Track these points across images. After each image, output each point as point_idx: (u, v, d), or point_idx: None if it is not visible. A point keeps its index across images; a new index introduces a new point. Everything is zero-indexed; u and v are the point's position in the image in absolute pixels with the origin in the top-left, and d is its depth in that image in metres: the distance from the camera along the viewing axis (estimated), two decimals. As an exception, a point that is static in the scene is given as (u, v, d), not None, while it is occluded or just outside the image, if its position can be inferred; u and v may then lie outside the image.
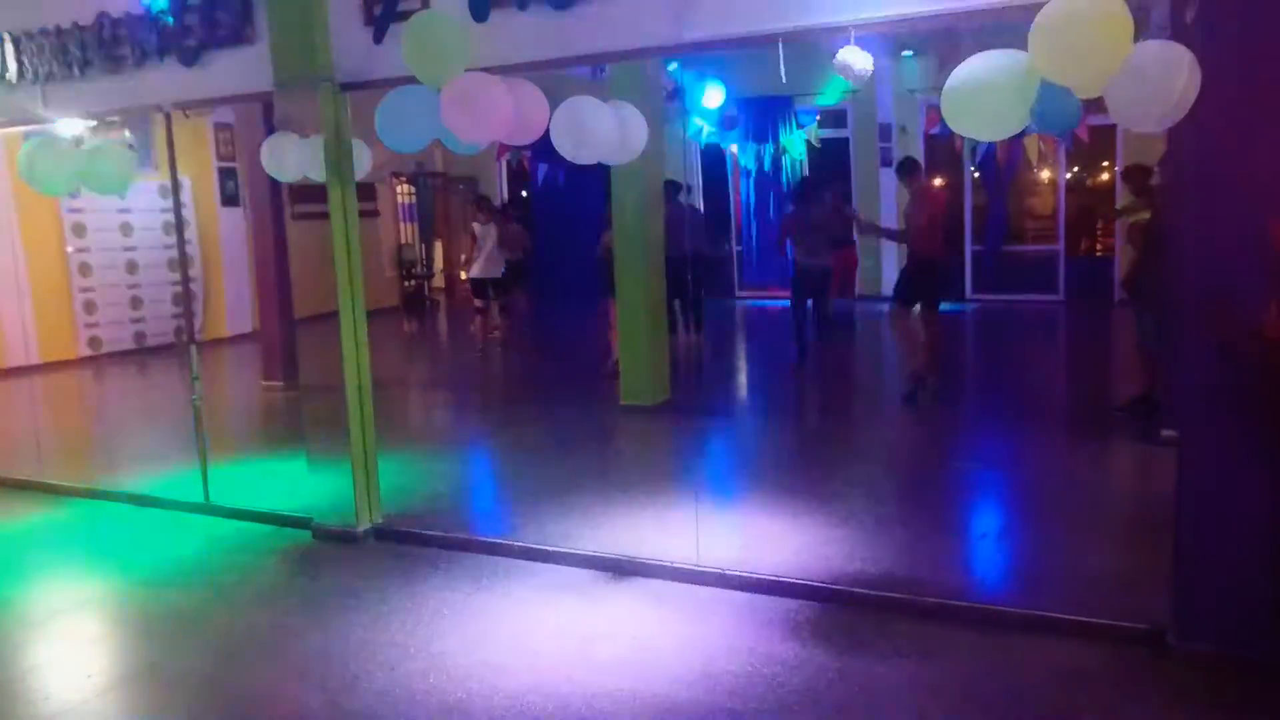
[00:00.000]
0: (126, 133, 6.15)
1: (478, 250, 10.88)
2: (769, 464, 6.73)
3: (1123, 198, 8.13)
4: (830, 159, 13.92)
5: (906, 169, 7.99)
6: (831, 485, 5.81)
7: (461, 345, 12.69)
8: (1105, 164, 13.37)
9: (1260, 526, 3.40)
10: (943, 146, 13.15)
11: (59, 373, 10.87)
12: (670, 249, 8.24)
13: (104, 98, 5.64)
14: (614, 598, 4.32)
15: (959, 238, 13.06)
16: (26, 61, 5.79)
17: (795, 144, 13.83)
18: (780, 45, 3.98)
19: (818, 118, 13.89)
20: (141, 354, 11.99)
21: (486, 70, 4.34)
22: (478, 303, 11.02)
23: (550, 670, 3.69)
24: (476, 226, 11.06)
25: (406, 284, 15.80)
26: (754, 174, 14.40)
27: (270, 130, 5.14)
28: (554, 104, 4.57)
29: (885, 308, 8.71)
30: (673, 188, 9.30)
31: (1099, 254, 13.69)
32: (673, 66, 10.13)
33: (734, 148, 14.36)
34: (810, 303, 9.54)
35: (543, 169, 14.12)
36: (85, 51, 5.57)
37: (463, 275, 11.02)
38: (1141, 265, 6.71)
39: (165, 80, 5.40)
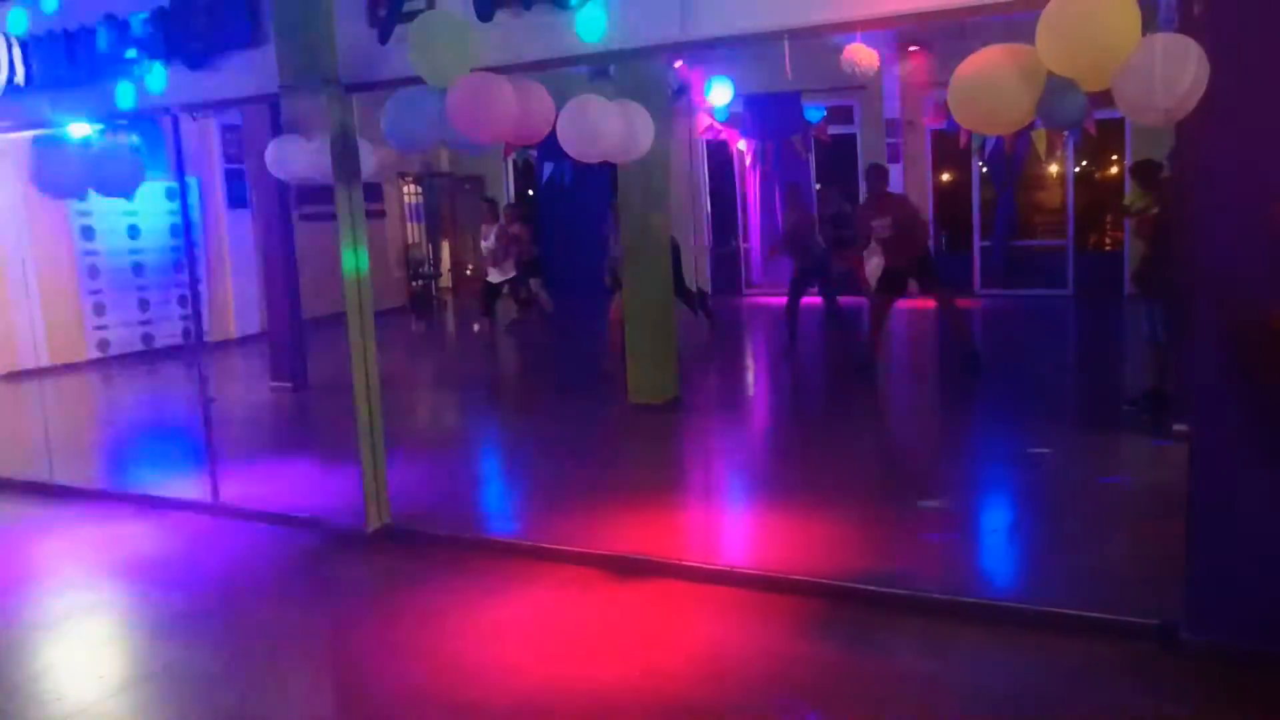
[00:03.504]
0: (134, 136, 6.17)
1: (488, 253, 11.25)
2: (776, 461, 6.73)
3: (1131, 192, 8.09)
4: (838, 155, 13.90)
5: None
6: (839, 481, 5.80)
7: (469, 344, 12.72)
8: (1114, 158, 13.31)
9: (1273, 520, 3.38)
10: (949, 140, 13.11)
11: (68, 375, 10.91)
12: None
13: (112, 101, 5.65)
14: (624, 596, 4.32)
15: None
16: (35, 65, 5.80)
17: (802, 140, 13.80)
18: (786, 42, 3.98)
19: (825, 114, 13.85)
20: (150, 355, 12.02)
21: (492, 70, 4.34)
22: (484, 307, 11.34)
23: (561, 669, 3.69)
24: (485, 229, 11.38)
25: (414, 284, 15.85)
26: (761, 170, 14.37)
27: (277, 132, 5.15)
28: (559, 103, 4.57)
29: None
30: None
31: (1108, 248, 13.63)
32: (678, 64, 10.13)
33: (741, 144, 14.34)
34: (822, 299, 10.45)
35: (548, 168, 14.14)
36: (93, 55, 5.58)
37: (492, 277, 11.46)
38: (1151, 259, 6.67)
39: (172, 83, 5.41)
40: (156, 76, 5.36)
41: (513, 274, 11.32)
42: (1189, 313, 3.59)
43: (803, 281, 10.36)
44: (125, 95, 5.46)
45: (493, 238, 11.12)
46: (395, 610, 4.31)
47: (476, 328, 11.33)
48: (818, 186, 13.95)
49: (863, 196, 9.69)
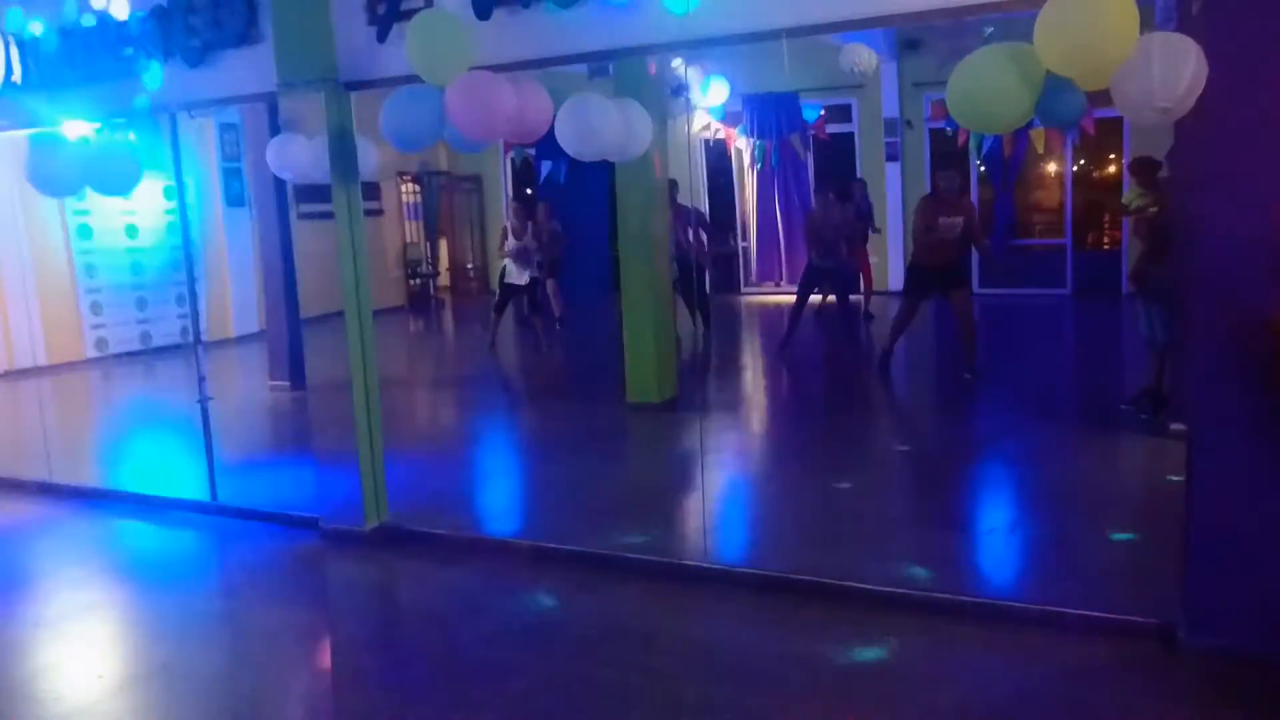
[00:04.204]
0: (131, 134, 6.16)
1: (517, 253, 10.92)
2: (774, 460, 6.74)
3: (1130, 191, 8.09)
4: (836, 154, 13.92)
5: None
6: (836, 479, 5.80)
7: (467, 343, 12.71)
8: (1112, 157, 13.33)
9: (1272, 520, 3.38)
10: (948, 140, 13.12)
11: (66, 374, 10.90)
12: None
13: (109, 99, 5.64)
14: (622, 595, 4.32)
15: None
16: (32, 64, 5.79)
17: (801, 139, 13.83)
18: (784, 41, 3.98)
19: (822, 112, 13.87)
20: (148, 354, 12.02)
21: (490, 68, 4.34)
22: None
23: (561, 668, 3.69)
24: (516, 228, 11.07)
25: (412, 283, 15.84)
26: (759, 169, 14.39)
27: (275, 130, 5.14)
28: (557, 103, 4.57)
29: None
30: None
31: (1106, 247, 13.65)
32: (677, 63, 10.13)
33: (739, 143, 14.35)
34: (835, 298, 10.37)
35: (546, 166, 14.13)
36: (91, 53, 5.57)
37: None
38: (1149, 258, 6.68)
39: (170, 81, 5.41)
40: (154, 75, 5.36)
41: (535, 274, 11.07)
42: (1186, 312, 3.59)
43: (817, 278, 10.25)
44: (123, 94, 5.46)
45: (529, 236, 10.90)
46: (393, 609, 4.31)
47: (491, 341, 11.14)
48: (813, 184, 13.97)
49: (929, 192, 9.27)
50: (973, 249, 9.05)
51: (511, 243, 10.81)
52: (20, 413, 9.32)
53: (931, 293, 8.54)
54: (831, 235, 10.00)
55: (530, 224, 10.91)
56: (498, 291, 11.33)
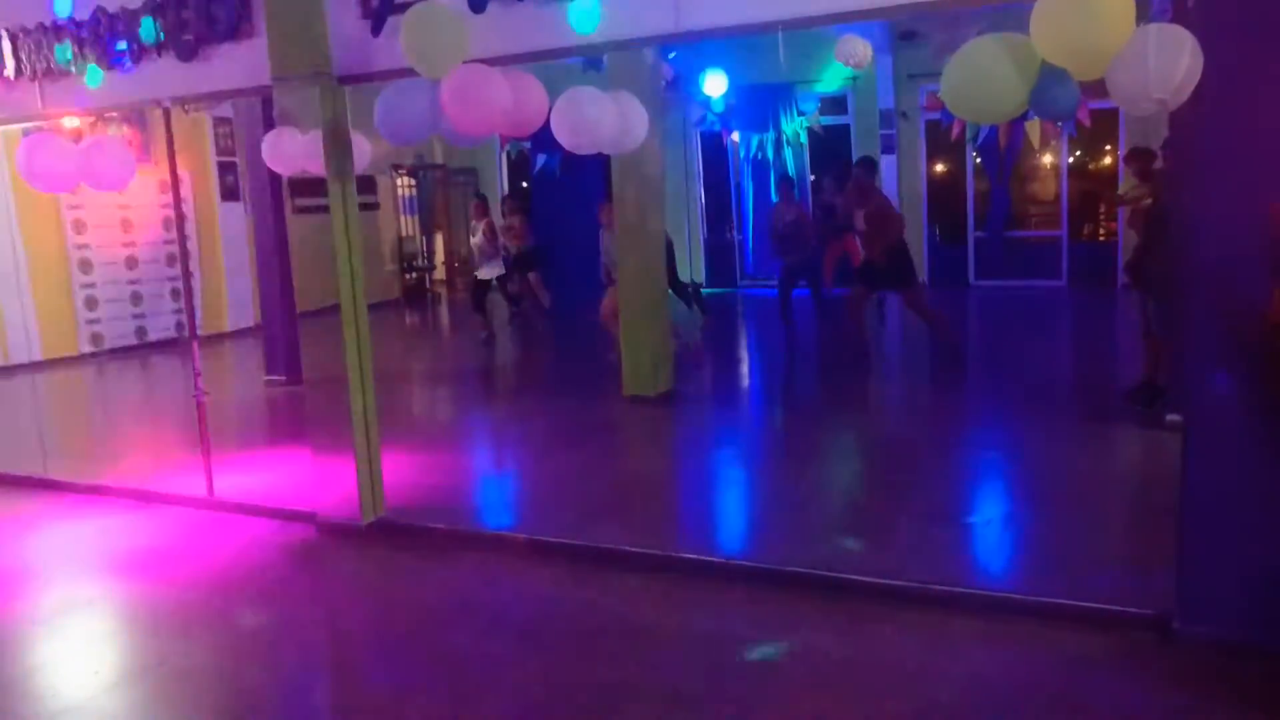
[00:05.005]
0: (125, 128, 6.14)
1: (476, 249, 11.14)
2: (770, 453, 6.74)
3: (1125, 182, 8.10)
4: (831, 145, 13.90)
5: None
6: (835, 475, 5.81)
7: (463, 338, 12.70)
8: (1108, 148, 13.32)
9: (1265, 511, 3.39)
10: (943, 132, 13.11)
11: (61, 369, 10.88)
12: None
13: (103, 93, 5.62)
14: (620, 590, 4.32)
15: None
16: (24, 58, 5.77)
17: (797, 131, 13.82)
18: (780, 33, 3.97)
19: (818, 104, 13.86)
20: (143, 349, 12.00)
21: (485, 62, 4.32)
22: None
23: (559, 663, 3.69)
24: (474, 224, 11.27)
25: (408, 277, 15.82)
26: (754, 161, 14.37)
27: (270, 124, 5.12)
28: (553, 96, 4.56)
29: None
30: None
31: (1102, 239, 13.65)
32: (672, 55, 10.12)
33: (735, 135, 14.33)
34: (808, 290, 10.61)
35: (540, 159, 14.09)
36: (83, 47, 5.55)
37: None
38: (1145, 250, 6.68)
39: (164, 75, 5.39)
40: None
41: (501, 271, 11.26)
42: (1182, 303, 3.60)
43: (792, 277, 10.40)
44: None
45: (480, 234, 11.05)
46: (390, 604, 4.31)
47: (484, 336, 11.17)
48: (812, 177, 13.95)
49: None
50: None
51: (472, 240, 11.15)
52: (15, 408, 9.30)
53: (877, 284, 9.01)
54: (788, 232, 10.25)
55: (483, 221, 11.06)
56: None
